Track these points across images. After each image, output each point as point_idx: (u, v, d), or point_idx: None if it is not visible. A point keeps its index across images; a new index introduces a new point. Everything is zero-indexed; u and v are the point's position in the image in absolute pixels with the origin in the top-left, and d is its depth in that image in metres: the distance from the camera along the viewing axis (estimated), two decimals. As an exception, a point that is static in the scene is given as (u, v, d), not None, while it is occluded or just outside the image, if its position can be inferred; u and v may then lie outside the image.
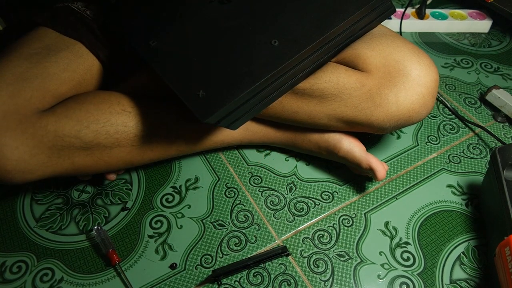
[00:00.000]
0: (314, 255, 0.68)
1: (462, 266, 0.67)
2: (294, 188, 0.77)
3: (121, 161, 0.68)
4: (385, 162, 0.79)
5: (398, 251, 0.69)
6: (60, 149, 0.61)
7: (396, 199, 0.76)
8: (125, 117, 0.65)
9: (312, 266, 0.67)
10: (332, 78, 0.65)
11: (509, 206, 0.62)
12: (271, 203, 0.75)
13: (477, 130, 0.86)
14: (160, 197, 0.76)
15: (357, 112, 0.66)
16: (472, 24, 1.08)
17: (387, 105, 0.66)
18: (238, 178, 0.78)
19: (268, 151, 0.83)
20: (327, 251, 0.69)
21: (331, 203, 0.75)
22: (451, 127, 0.87)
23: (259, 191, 0.76)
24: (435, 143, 0.84)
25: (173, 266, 0.67)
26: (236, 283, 0.65)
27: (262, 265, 0.67)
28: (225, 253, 0.69)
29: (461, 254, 0.68)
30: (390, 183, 0.78)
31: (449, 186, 0.77)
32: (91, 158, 0.64)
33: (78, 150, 0.62)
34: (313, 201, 0.75)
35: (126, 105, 0.66)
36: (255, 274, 0.66)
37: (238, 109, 0.58)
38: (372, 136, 0.84)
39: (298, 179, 0.78)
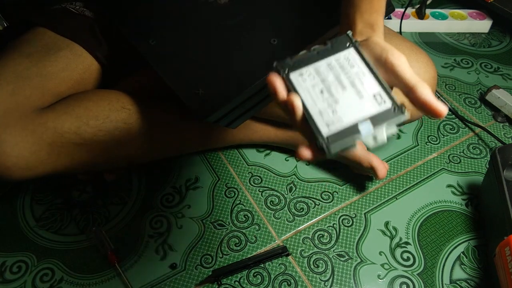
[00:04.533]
0: (314, 255, 0.68)
1: (462, 266, 0.67)
2: (294, 188, 0.77)
3: (120, 159, 0.68)
4: (385, 162, 0.79)
5: (398, 251, 0.69)
6: (60, 146, 0.61)
7: (396, 199, 0.75)
8: (125, 114, 0.65)
9: (312, 266, 0.67)
10: None
11: (509, 206, 0.62)
12: (271, 203, 0.75)
13: (477, 130, 0.86)
14: (160, 197, 0.76)
15: None
16: (472, 24, 1.08)
17: None
18: (238, 178, 0.78)
19: (268, 151, 0.83)
20: (327, 251, 0.69)
21: (331, 203, 0.75)
22: (451, 127, 0.87)
23: (259, 191, 0.76)
24: (435, 143, 0.84)
25: (173, 266, 0.67)
26: (236, 283, 0.65)
27: (262, 265, 0.67)
28: (225, 253, 0.69)
29: (461, 254, 0.68)
30: (390, 183, 0.78)
31: (449, 186, 0.77)
32: (90, 155, 0.64)
33: (78, 147, 0.62)
34: (313, 201, 0.75)
35: (126, 102, 0.66)
36: (255, 274, 0.66)
37: (238, 108, 0.59)
38: (372, 136, 0.84)
39: (298, 179, 0.78)
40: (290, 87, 0.38)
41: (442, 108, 0.35)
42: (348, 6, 0.49)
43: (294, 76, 0.38)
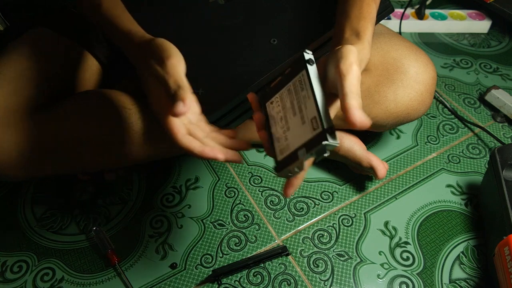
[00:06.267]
0: (314, 255, 0.69)
1: (461, 265, 0.67)
2: (294, 188, 0.77)
3: (121, 159, 0.68)
4: (385, 162, 0.79)
5: (397, 251, 0.69)
6: (61, 146, 0.61)
7: (396, 199, 0.76)
8: (125, 114, 0.65)
9: (312, 266, 0.67)
10: None
11: (508, 206, 0.62)
12: (271, 203, 0.75)
13: (477, 130, 0.86)
14: (161, 197, 0.76)
15: None
16: (471, 24, 1.08)
17: (385, 103, 0.66)
18: (238, 178, 0.78)
19: (268, 151, 0.83)
20: (327, 251, 0.69)
21: (331, 203, 0.75)
22: (450, 127, 0.87)
23: (259, 191, 0.77)
24: (435, 143, 0.84)
25: (173, 266, 0.67)
26: (236, 282, 0.65)
27: (262, 265, 0.67)
28: (225, 252, 0.69)
29: (461, 254, 0.69)
30: (390, 183, 0.78)
31: (449, 186, 0.78)
32: (90, 155, 0.64)
33: (78, 147, 0.62)
34: (313, 201, 0.75)
35: (126, 102, 0.66)
36: (255, 274, 0.66)
37: (237, 108, 0.59)
38: (372, 135, 0.84)
39: (298, 179, 0.78)
40: (265, 115, 0.46)
41: (361, 119, 0.37)
42: (340, 13, 0.51)
43: (267, 105, 0.46)
